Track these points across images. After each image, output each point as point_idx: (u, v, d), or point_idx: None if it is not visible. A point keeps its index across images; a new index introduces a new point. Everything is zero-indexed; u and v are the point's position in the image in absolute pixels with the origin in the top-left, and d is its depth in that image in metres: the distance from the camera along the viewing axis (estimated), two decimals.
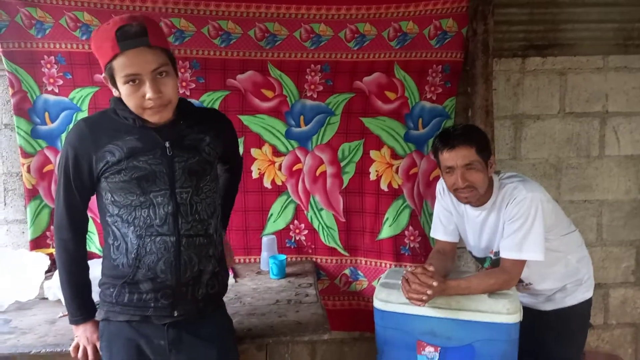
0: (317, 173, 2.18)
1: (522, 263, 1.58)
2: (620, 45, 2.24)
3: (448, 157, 1.59)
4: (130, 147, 1.24)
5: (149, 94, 1.18)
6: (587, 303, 1.75)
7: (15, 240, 2.14)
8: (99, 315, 1.33)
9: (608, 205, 2.35)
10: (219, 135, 1.36)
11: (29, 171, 2.03)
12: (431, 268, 1.50)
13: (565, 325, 1.73)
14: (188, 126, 1.31)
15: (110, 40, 1.15)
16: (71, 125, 2.01)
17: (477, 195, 1.61)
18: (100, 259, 1.34)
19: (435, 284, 1.47)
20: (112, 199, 1.26)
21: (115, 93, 1.24)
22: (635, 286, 2.40)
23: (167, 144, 1.26)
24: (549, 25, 2.20)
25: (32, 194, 2.05)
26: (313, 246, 2.22)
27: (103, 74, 1.23)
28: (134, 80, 1.18)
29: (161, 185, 1.25)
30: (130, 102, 1.21)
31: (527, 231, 1.54)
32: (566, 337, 1.74)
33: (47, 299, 1.74)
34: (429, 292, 1.46)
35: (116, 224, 1.26)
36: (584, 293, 1.74)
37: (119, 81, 1.19)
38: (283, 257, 2.03)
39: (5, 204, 2.14)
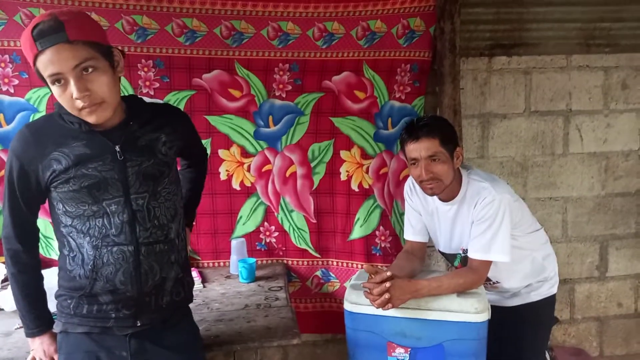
0: (287, 174, 2.15)
1: (489, 263, 1.59)
2: (583, 45, 2.29)
3: (412, 149, 1.59)
4: (77, 154, 1.16)
5: (74, 94, 1.09)
6: (552, 298, 1.79)
7: None
8: (56, 327, 1.26)
9: (572, 202, 2.40)
10: (176, 130, 1.29)
11: None
12: (388, 273, 1.49)
13: (530, 318, 1.75)
14: (140, 126, 1.23)
15: (28, 40, 1.07)
16: None
17: (441, 186, 1.61)
18: (57, 268, 1.27)
19: (388, 284, 1.46)
20: (64, 209, 1.19)
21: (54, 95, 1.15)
22: (600, 281, 2.47)
23: (117, 148, 1.18)
24: (514, 24, 2.23)
25: None
26: (284, 248, 2.19)
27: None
28: (59, 80, 1.09)
29: (114, 192, 1.18)
30: (64, 104, 1.13)
31: (494, 233, 1.55)
32: (531, 330, 1.76)
33: (2, 310, 1.65)
34: (386, 296, 1.46)
35: (71, 234, 1.19)
36: (549, 289, 1.77)
37: (48, 82, 1.11)
38: (253, 260, 1.99)
39: None
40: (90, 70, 1.10)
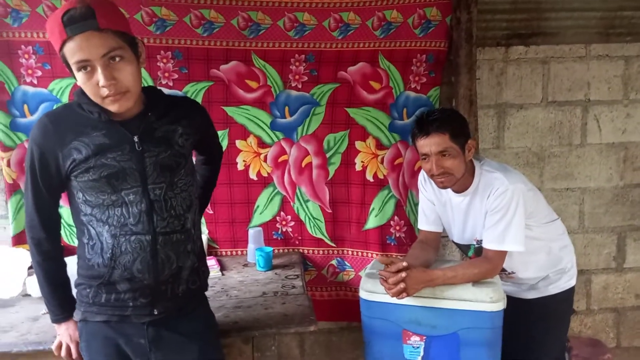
0: (303, 164, 2.17)
1: (504, 253, 1.60)
2: (602, 34, 2.26)
3: (423, 144, 1.60)
4: (97, 143, 1.18)
5: (101, 81, 1.11)
6: (570, 291, 1.78)
7: None
8: (76, 316, 1.29)
9: (590, 193, 2.38)
10: (192, 123, 1.31)
11: (9, 165, 1.99)
12: (404, 263, 1.51)
13: (548, 312, 1.75)
14: (158, 117, 1.25)
15: (57, 25, 1.09)
16: None
17: (453, 180, 1.61)
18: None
19: (404, 274, 1.48)
20: (84, 198, 1.21)
21: (77, 81, 1.17)
22: (617, 272, 2.45)
23: (135, 139, 1.20)
24: (532, 13, 2.20)
25: (12, 189, 2.01)
26: (300, 237, 2.22)
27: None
28: (85, 67, 1.11)
29: (132, 182, 1.20)
30: (88, 91, 1.15)
31: (508, 223, 1.56)
32: (549, 325, 1.76)
33: (30, 295, 1.72)
34: (401, 285, 1.47)
35: (91, 223, 1.22)
36: (567, 281, 1.76)
37: (73, 69, 1.13)
38: (269, 249, 2.02)
39: None
40: (117, 59, 1.12)
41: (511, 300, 1.71)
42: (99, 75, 1.11)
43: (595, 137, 2.34)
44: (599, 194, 2.38)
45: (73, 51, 1.10)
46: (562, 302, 1.77)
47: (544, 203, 1.74)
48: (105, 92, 1.12)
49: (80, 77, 1.13)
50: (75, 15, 1.08)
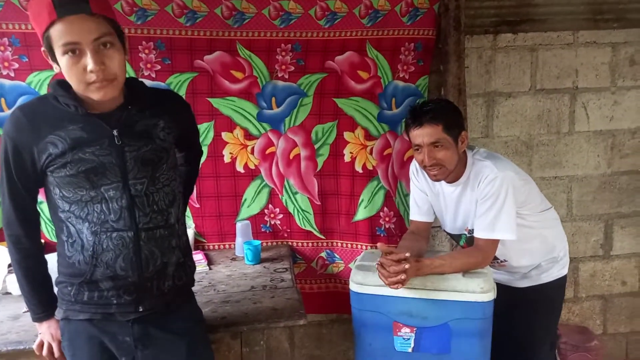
0: (291, 156, 2.14)
1: (495, 242, 1.59)
2: (590, 20, 2.25)
3: (416, 135, 1.58)
4: (73, 137, 1.13)
5: (90, 66, 1.07)
6: (562, 279, 1.78)
7: None
8: (58, 314, 1.26)
9: (578, 181, 2.39)
10: (175, 118, 1.27)
11: None
12: (407, 254, 1.49)
13: (540, 300, 1.75)
14: (139, 110, 1.21)
15: (47, 6, 1.05)
16: None
17: (445, 172, 1.60)
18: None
19: (407, 266, 1.46)
20: (61, 194, 1.17)
21: (55, 69, 1.13)
22: (604, 259, 2.47)
23: (115, 132, 1.16)
24: (520, 0, 2.18)
25: None
26: (289, 230, 2.19)
27: (42, 48, 1.12)
28: (73, 50, 1.07)
29: (112, 177, 1.16)
30: (72, 77, 1.10)
31: (498, 211, 1.55)
32: (541, 313, 1.77)
33: (10, 293, 1.67)
34: (402, 276, 1.46)
35: (70, 219, 1.18)
36: (560, 270, 1.76)
37: (58, 52, 1.08)
38: (258, 242, 2.00)
39: None
40: (107, 45, 1.10)
41: (503, 289, 1.71)
42: (88, 60, 1.07)
43: (583, 125, 2.34)
44: (587, 181, 2.39)
45: (62, 33, 1.06)
46: (554, 290, 1.77)
47: (536, 191, 1.73)
48: (92, 77, 1.09)
49: (65, 61, 1.08)
50: None
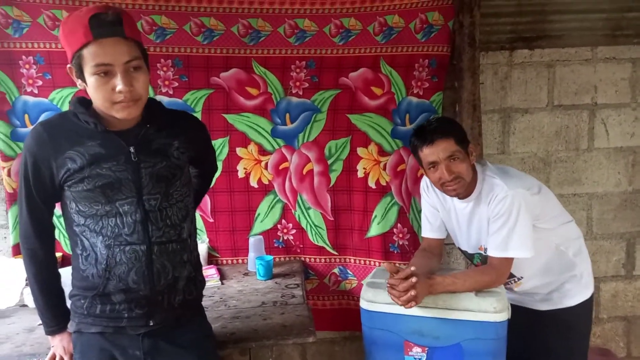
0: (304, 171, 2.15)
1: (509, 260, 1.55)
2: (609, 36, 2.22)
3: (429, 153, 1.56)
4: (92, 153, 1.17)
5: (119, 86, 1.12)
6: (587, 303, 1.68)
7: None
8: (70, 327, 1.28)
9: (598, 199, 2.33)
10: (190, 140, 1.30)
11: (9, 175, 1.99)
12: (413, 268, 1.47)
13: (565, 327, 1.67)
14: (156, 130, 1.25)
15: (82, 27, 1.10)
16: None
17: (464, 185, 1.58)
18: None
19: (414, 279, 1.44)
20: (77, 208, 1.20)
21: (79, 85, 1.18)
22: (626, 279, 2.39)
23: (131, 149, 1.20)
24: (536, 16, 2.17)
25: (13, 198, 2.00)
26: (301, 246, 2.19)
27: (69, 65, 1.16)
28: (105, 72, 1.12)
29: (127, 192, 1.19)
30: (98, 95, 1.14)
31: (510, 229, 1.52)
32: (567, 340, 1.68)
33: (27, 305, 1.71)
34: (412, 292, 1.44)
35: (84, 233, 1.21)
36: (583, 292, 1.67)
37: (88, 71, 1.12)
38: (270, 257, 2.00)
39: None
40: (136, 69, 1.14)
41: (525, 312, 1.67)
42: (118, 81, 1.12)
43: (602, 142, 2.30)
44: (607, 199, 2.33)
45: (96, 54, 1.11)
46: (579, 315, 1.68)
47: (553, 204, 1.68)
48: (120, 97, 1.13)
49: (93, 81, 1.13)
50: (106, 20, 1.10)
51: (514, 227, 1.52)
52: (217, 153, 2.06)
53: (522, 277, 1.68)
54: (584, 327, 1.73)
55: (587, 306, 1.69)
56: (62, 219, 1.84)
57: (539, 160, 2.29)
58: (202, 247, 2.03)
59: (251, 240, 2.08)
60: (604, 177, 2.32)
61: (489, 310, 1.49)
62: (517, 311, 1.60)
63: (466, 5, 2.04)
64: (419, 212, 2.11)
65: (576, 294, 1.67)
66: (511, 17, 2.17)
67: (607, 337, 2.43)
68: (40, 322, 1.33)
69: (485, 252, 1.65)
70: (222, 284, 1.92)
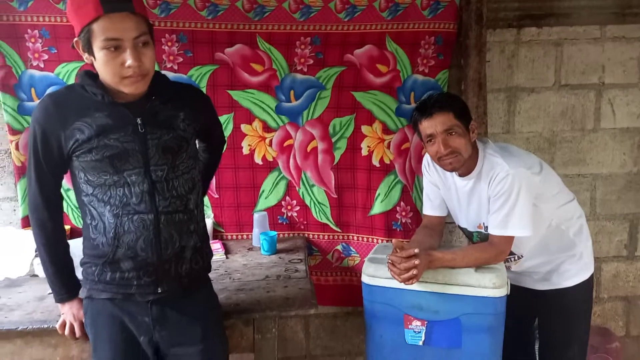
0: (308, 149, 2.16)
1: (509, 239, 1.57)
2: (619, 14, 2.18)
3: (427, 126, 1.57)
4: (100, 124, 1.20)
5: (129, 61, 1.14)
6: (587, 283, 1.69)
7: (6, 218, 2.14)
8: (82, 293, 1.32)
9: (602, 179, 2.32)
10: (195, 111, 1.32)
11: (17, 148, 2.02)
12: (416, 250, 1.49)
13: (564, 307, 1.68)
14: (162, 102, 1.27)
15: (92, 1, 1.11)
16: None
17: (461, 160, 1.58)
18: (81, 238, 1.33)
19: (417, 261, 1.46)
20: (86, 178, 1.23)
21: (86, 59, 1.19)
22: (628, 260, 2.40)
23: (138, 121, 1.22)
24: None
25: (21, 171, 2.03)
26: (305, 222, 2.22)
27: (76, 38, 1.18)
28: (115, 46, 1.13)
29: (135, 163, 1.22)
30: (107, 70, 1.16)
31: (511, 207, 1.53)
32: (567, 320, 1.70)
33: (37, 275, 1.75)
34: (413, 271, 1.46)
35: (92, 203, 1.24)
36: (582, 272, 1.68)
37: (97, 45, 1.14)
38: (274, 233, 2.03)
39: None
40: (144, 44, 1.16)
41: (524, 292, 1.69)
42: (127, 56, 1.13)
43: (609, 122, 2.28)
44: (612, 180, 2.33)
45: (106, 28, 1.12)
46: (578, 296, 1.69)
47: (555, 183, 1.67)
48: (129, 72, 1.15)
49: (102, 56, 1.14)
50: None
51: (514, 206, 1.53)
52: None
53: (522, 256, 1.69)
54: (583, 308, 1.73)
55: (586, 287, 1.70)
56: (70, 192, 1.88)
57: (544, 140, 2.28)
58: (208, 222, 2.06)
59: (255, 216, 2.10)
60: (609, 157, 2.31)
61: (488, 285, 1.52)
62: (516, 291, 1.62)
63: None
64: (422, 190, 2.12)
65: (575, 274, 1.68)
66: None
67: (606, 316, 2.45)
68: (50, 290, 1.37)
69: (485, 231, 1.67)
70: (227, 257, 1.96)
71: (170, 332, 1.30)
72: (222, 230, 2.20)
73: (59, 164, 1.25)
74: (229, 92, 2.08)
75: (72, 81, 2.00)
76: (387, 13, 2.03)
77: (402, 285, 1.54)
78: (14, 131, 2.01)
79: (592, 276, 1.72)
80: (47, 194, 1.27)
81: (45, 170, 1.25)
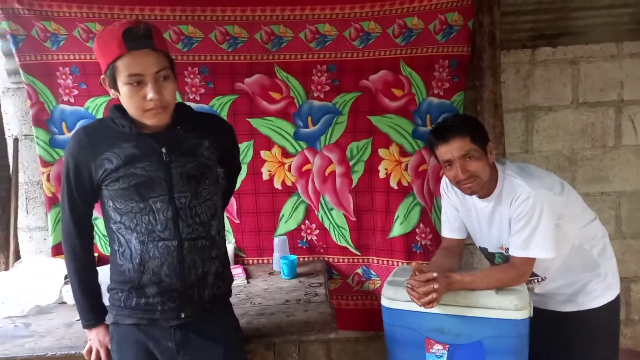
0: (327, 173, 2.19)
1: (530, 260, 1.55)
2: (635, 31, 2.18)
3: (444, 151, 1.57)
4: (127, 154, 1.26)
5: (150, 95, 1.20)
6: (613, 304, 1.64)
7: (38, 247, 2.23)
8: (108, 319, 1.36)
9: (626, 197, 2.28)
10: (219, 140, 1.38)
11: (48, 180, 2.11)
12: (435, 274, 1.48)
13: (590, 329, 1.64)
14: (186, 131, 1.32)
15: (116, 40, 1.18)
16: None
17: (480, 183, 1.58)
18: (109, 265, 1.38)
19: (436, 286, 1.45)
20: (114, 206, 1.29)
21: (112, 95, 1.27)
22: None
23: (163, 150, 1.28)
24: (558, 13, 2.15)
25: (52, 202, 2.12)
26: (325, 246, 2.23)
27: (102, 76, 1.25)
28: (138, 81, 1.20)
29: (159, 190, 1.27)
30: (131, 104, 1.23)
31: (532, 229, 1.51)
32: (593, 343, 1.65)
33: (65, 302, 1.81)
34: (433, 295, 1.45)
35: (120, 230, 1.29)
36: (607, 292, 1.64)
37: (121, 81, 1.21)
38: (294, 257, 2.05)
39: (27, 212, 2.23)
40: (165, 78, 1.23)
41: (548, 314, 1.65)
42: (149, 89, 1.20)
43: (630, 138, 2.25)
44: (637, 197, 2.28)
45: (129, 65, 1.19)
46: (604, 317, 1.64)
47: (577, 202, 1.65)
48: (150, 105, 1.22)
49: (126, 90, 1.21)
50: (138, 33, 1.19)
51: (536, 227, 1.51)
52: (242, 156, 2.13)
53: (545, 278, 1.67)
54: (610, 330, 1.68)
55: (612, 308, 1.66)
56: (97, 221, 1.95)
57: (564, 159, 2.26)
58: (229, 248, 2.09)
59: (276, 240, 2.13)
60: (633, 174, 2.27)
61: (510, 307, 1.50)
62: (540, 313, 1.59)
63: (485, 4, 2.04)
64: (441, 211, 2.12)
65: (600, 294, 1.64)
66: (532, 15, 2.16)
67: (638, 338, 2.37)
68: (79, 317, 1.41)
69: (506, 252, 1.65)
70: (248, 282, 1.98)
71: (193, 355, 1.32)
72: (244, 255, 2.23)
73: (90, 193, 1.31)
74: (249, 120, 2.15)
75: (100, 114, 2.10)
76: (401, 39, 2.08)
77: (422, 309, 1.53)
78: (45, 163, 2.11)
79: (618, 296, 1.67)
80: (79, 222, 1.34)
81: (77, 199, 1.31)
